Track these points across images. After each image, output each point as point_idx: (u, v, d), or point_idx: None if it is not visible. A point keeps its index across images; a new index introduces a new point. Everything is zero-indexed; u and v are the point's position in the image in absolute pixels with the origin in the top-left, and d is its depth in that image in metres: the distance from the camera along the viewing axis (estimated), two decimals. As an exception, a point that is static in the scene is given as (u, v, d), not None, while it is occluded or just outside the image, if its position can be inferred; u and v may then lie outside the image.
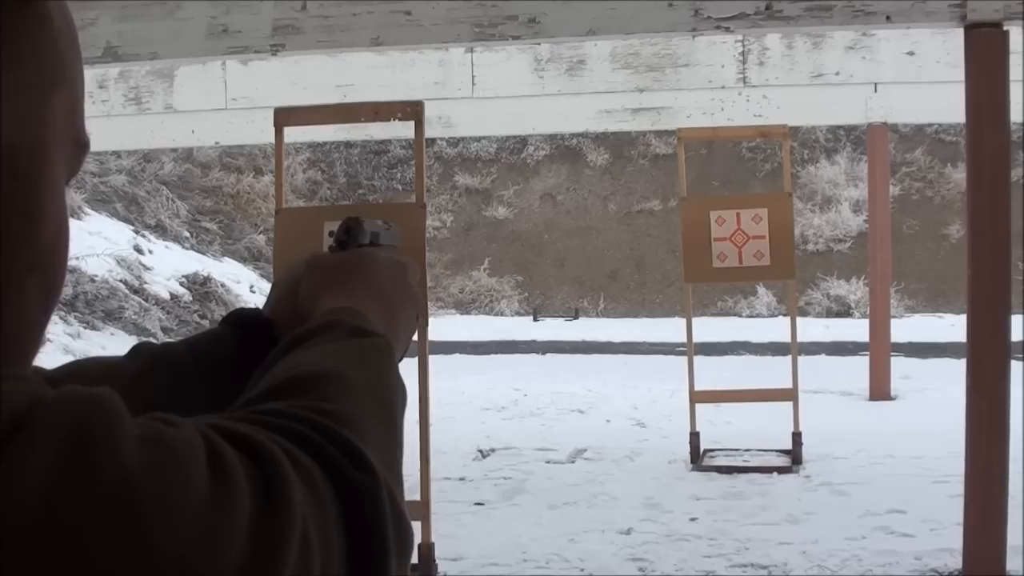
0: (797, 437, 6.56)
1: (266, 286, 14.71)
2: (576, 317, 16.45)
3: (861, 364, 9.44)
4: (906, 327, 12.94)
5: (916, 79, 7.18)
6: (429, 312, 4.56)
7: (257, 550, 0.48)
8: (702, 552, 4.89)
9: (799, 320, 7.28)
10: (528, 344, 13.56)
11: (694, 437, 6.66)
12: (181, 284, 13.74)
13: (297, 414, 0.59)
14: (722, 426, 7.48)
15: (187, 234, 16.36)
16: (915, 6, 3.63)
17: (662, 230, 17.20)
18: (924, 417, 7.73)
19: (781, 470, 6.41)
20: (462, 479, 6.41)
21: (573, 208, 18.26)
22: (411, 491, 3.57)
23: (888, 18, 3.68)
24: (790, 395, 6.55)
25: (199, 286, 13.88)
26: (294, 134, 5.31)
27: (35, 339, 0.56)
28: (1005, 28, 3.63)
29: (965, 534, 3.82)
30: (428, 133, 4.46)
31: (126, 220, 15.26)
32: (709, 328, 12.27)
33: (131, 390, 0.72)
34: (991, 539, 3.71)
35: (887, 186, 9.21)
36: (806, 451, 6.56)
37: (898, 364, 9.47)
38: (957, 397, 4.13)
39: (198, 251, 15.84)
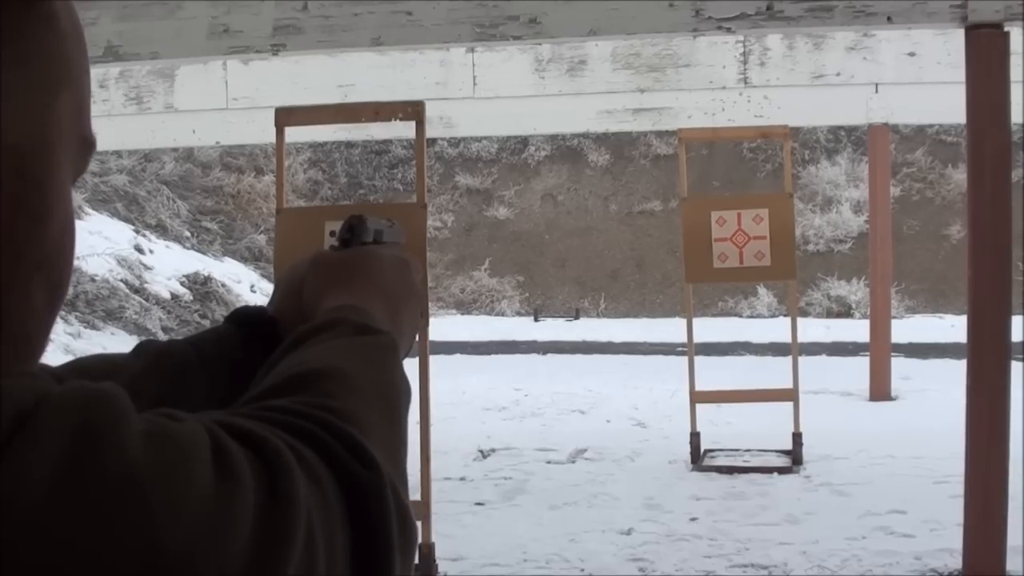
0: (797, 437, 6.56)
1: (267, 286, 14.72)
2: (577, 317, 16.46)
3: (861, 364, 9.44)
4: (907, 328, 12.94)
5: (917, 80, 7.19)
6: (430, 312, 4.57)
7: (262, 546, 0.48)
8: (702, 552, 4.89)
9: (800, 320, 7.28)
10: (529, 344, 13.56)
11: (694, 437, 6.67)
12: (182, 284, 13.74)
13: (301, 410, 0.59)
14: (723, 426, 7.48)
15: (188, 234, 16.36)
16: (916, 7, 3.63)
17: (663, 230, 17.20)
18: (924, 418, 7.74)
19: (781, 470, 6.42)
20: (462, 479, 6.41)
21: (574, 208, 18.26)
22: (412, 491, 3.57)
23: (889, 19, 3.68)
24: (790, 395, 6.56)
25: (200, 286, 13.88)
26: (295, 134, 5.31)
27: (41, 338, 0.56)
28: (1006, 29, 3.63)
29: (965, 534, 3.83)
30: (429, 133, 4.47)
31: (127, 220, 15.27)
32: (710, 328, 12.26)
33: (135, 387, 0.72)
34: (991, 539, 3.71)
35: (888, 187, 9.21)
36: (806, 451, 6.56)
37: (898, 365, 9.47)
38: (957, 398, 4.13)
39: (199, 251, 15.84)
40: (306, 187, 18.70)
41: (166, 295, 13.32)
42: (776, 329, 12.62)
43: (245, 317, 0.96)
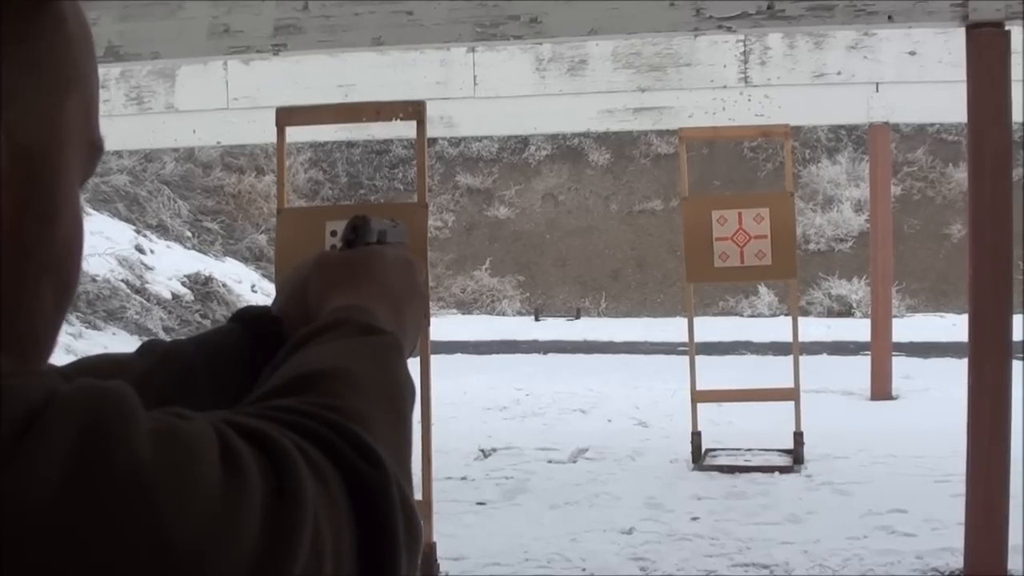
0: (798, 437, 6.56)
1: (268, 286, 14.72)
2: (577, 317, 16.46)
3: (862, 364, 9.44)
4: (907, 327, 12.94)
5: (918, 79, 7.18)
6: (431, 312, 4.57)
7: (269, 544, 0.49)
8: (704, 551, 4.89)
9: (800, 320, 7.28)
10: (530, 344, 13.56)
11: (696, 437, 6.67)
12: (183, 284, 13.74)
13: (308, 410, 0.59)
14: (724, 426, 7.48)
15: (189, 234, 16.36)
16: (917, 6, 3.63)
17: (664, 230, 17.19)
18: (925, 417, 7.73)
19: (783, 469, 6.42)
20: (464, 479, 6.41)
21: (575, 208, 18.26)
22: (413, 490, 3.58)
23: (890, 18, 3.68)
24: (791, 395, 6.56)
25: (201, 286, 13.88)
26: (296, 134, 5.31)
27: (50, 338, 0.56)
28: (1007, 28, 3.63)
29: (966, 533, 3.83)
30: (430, 133, 4.47)
31: (128, 220, 15.26)
32: (711, 328, 12.26)
33: (139, 387, 0.72)
34: (992, 539, 3.71)
35: (888, 186, 9.21)
36: (807, 451, 6.56)
37: (899, 364, 9.47)
38: (958, 397, 4.13)
39: (200, 251, 15.84)
40: (307, 187, 18.70)
41: (167, 295, 13.32)
42: (777, 328, 12.62)
43: (249, 317, 0.96)
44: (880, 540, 4.97)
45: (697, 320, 7.06)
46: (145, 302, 12.80)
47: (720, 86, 7.41)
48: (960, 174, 16.02)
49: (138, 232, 14.81)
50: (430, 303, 4.29)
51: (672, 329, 13.14)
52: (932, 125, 16.37)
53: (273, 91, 7.16)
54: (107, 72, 7.16)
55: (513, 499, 5.95)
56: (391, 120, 4.04)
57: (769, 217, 6.47)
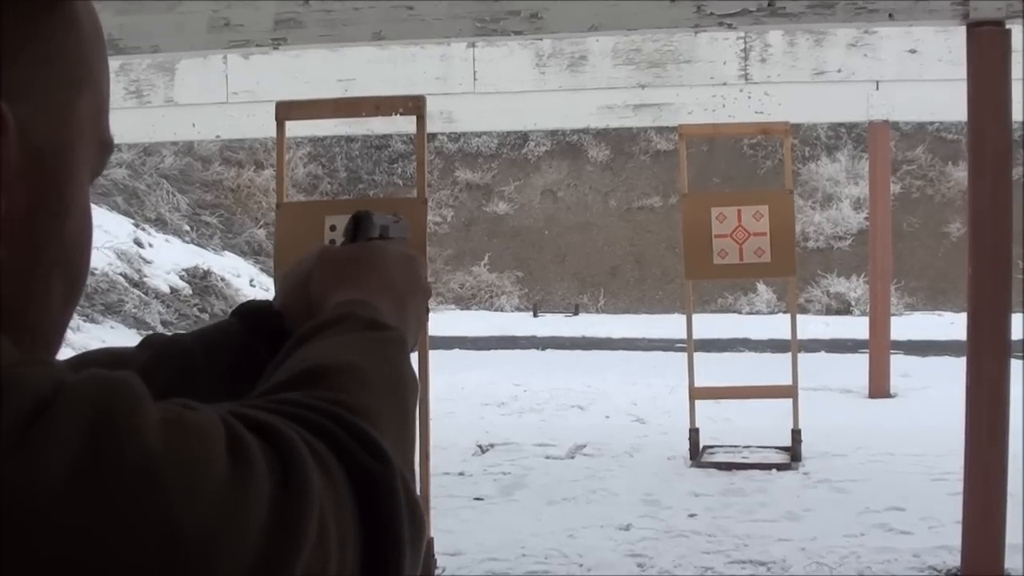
0: (796, 434, 6.56)
1: (266, 280, 14.73)
2: (576, 313, 16.46)
3: (861, 361, 9.44)
4: (906, 325, 12.94)
5: (918, 77, 7.19)
6: (430, 307, 4.55)
7: (275, 534, 0.49)
8: (701, 548, 4.90)
9: (799, 317, 7.28)
10: (528, 340, 13.56)
11: (693, 433, 6.67)
12: (181, 278, 13.73)
13: (313, 404, 0.59)
14: (721, 423, 7.49)
15: (187, 228, 16.35)
16: (917, 4, 3.63)
17: (663, 226, 17.20)
18: (923, 415, 7.74)
19: (780, 467, 6.42)
20: (461, 474, 6.41)
21: (574, 204, 18.26)
22: (411, 485, 3.58)
23: (890, 16, 3.68)
24: (790, 392, 6.56)
25: (199, 280, 13.87)
26: (295, 128, 5.30)
27: (59, 331, 0.57)
28: (1007, 26, 3.63)
29: (964, 532, 3.83)
30: (429, 128, 4.47)
31: (126, 213, 15.25)
32: (709, 325, 12.26)
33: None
34: (990, 537, 3.71)
35: (888, 184, 9.21)
36: (805, 448, 6.56)
37: (898, 362, 9.47)
38: (957, 395, 4.13)
39: (198, 245, 15.83)
40: (306, 181, 18.68)
41: (165, 289, 13.31)
42: (775, 326, 12.63)
43: (251, 311, 0.96)
44: (877, 538, 4.98)
45: (696, 317, 7.06)
46: (143, 296, 12.79)
47: (720, 83, 7.41)
48: (960, 173, 16.02)
49: (137, 226, 14.79)
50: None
51: (670, 326, 13.14)
52: (932, 123, 16.37)
53: (273, 85, 7.16)
54: (107, 65, 7.16)
55: (510, 495, 5.95)
56: (391, 115, 4.03)
57: (768, 214, 6.47)
